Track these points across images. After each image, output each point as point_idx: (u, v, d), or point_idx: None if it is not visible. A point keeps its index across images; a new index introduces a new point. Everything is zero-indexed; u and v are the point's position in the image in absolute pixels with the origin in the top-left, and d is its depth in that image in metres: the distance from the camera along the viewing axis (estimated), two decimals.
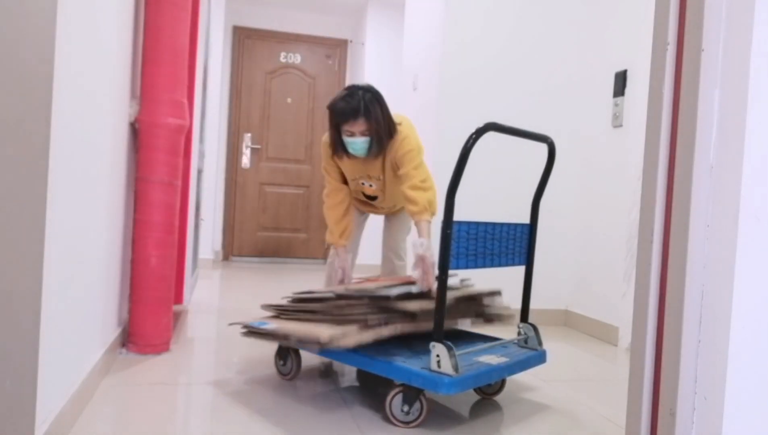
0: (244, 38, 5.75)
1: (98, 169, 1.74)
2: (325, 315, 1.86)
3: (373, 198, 2.55)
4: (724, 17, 1.11)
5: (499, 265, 1.87)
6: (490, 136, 3.24)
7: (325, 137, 2.44)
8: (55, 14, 1.21)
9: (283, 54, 5.84)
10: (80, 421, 1.59)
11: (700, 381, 1.11)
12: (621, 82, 3.03)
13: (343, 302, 1.83)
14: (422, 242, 2.05)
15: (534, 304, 3.30)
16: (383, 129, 2.29)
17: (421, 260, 1.98)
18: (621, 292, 2.94)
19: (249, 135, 5.73)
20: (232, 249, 5.78)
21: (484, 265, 1.80)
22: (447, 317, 1.93)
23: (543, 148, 3.17)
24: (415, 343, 1.94)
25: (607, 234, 3.08)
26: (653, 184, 1.25)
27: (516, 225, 1.93)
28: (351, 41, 5.97)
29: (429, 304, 1.83)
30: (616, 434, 1.73)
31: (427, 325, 1.84)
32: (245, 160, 5.73)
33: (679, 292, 1.16)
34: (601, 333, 3.07)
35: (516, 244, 1.94)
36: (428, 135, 3.31)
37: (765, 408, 1.08)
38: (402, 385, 1.68)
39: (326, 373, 2.19)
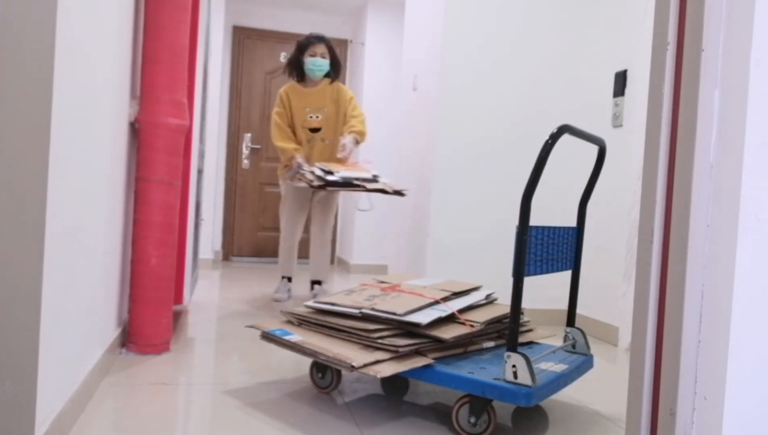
0: (244, 38, 5.75)
1: (98, 169, 1.74)
2: (351, 336, 1.79)
3: (317, 129, 3.48)
4: (724, 17, 1.11)
5: (555, 270, 1.81)
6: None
7: (282, 89, 3.47)
8: (55, 14, 1.21)
9: (283, 54, 5.83)
10: (80, 421, 1.59)
11: (700, 381, 1.11)
12: (621, 82, 3.03)
13: (371, 326, 1.76)
14: (350, 139, 3.35)
15: (534, 304, 3.30)
16: (337, 61, 3.45)
17: (346, 150, 3.32)
18: (621, 292, 2.94)
19: (249, 135, 5.73)
20: (232, 249, 5.78)
21: (546, 271, 1.74)
22: (475, 341, 1.90)
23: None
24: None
25: (607, 234, 3.08)
26: (653, 184, 1.25)
27: (567, 228, 1.90)
28: (351, 41, 5.97)
29: (461, 330, 1.79)
30: (616, 434, 1.73)
31: (457, 350, 1.82)
32: (245, 160, 5.73)
33: (679, 292, 1.16)
34: (601, 333, 3.07)
35: (567, 248, 1.90)
36: (428, 135, 3.31)
37: (765, 408, 1.08)
38: (468, 395, 1.63)
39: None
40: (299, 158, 3.36)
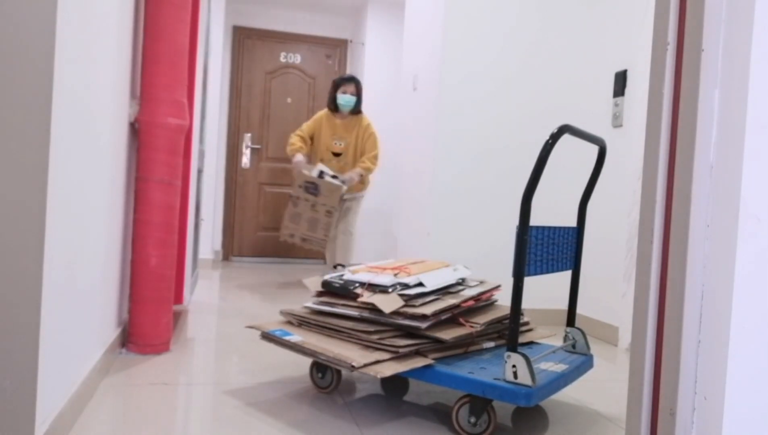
0: (244, 38, 5.74)
1: (98, 169, 1.74)
2: (351, 337, 1.80)
3: (339, 154, 4.32)
4: (724, 17, 1.11)
5: (555, 270, 1.81)
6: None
7: (322, 111, 4.39)
8: (55, 14, 1.21)
9: (283, 54, 5.83)
10: (80, 421, 1.59)
11: (700, 381, 1.11)
12: (621, 82, 3.03)
13: (371, 328, 1.76)
14: (356, 172, 4.21)
15: (534, 304, 3.30)
16: (360, 98, 4.32)
17: (352, 181, 4.17)
18: (621, 292, 2.94)
19: (249, 135, 5.73)
20: (232, 249, 5.78)
21: (546, 271, 1.74)
22: (475, 342, 1.90)
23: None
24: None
25: (607, 234, 3.08)
26: (653, 184, 1.25)
27: (567, 228, 1.90)
28: (351, 41, 5.97)
29: (462, 331, 1.79)
30: (616, 434, 1.73)
31: (457, 350, 1.82)
32: (245, 160, 5.73)
33: (679, 292, 1.16)
34: (601, 333, 3.07)
35: (568, 248, 1.90)
36: (428, 135, 3.31)
37: (765, 408, 1.08)
38: (468, 395, 1.62)
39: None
40: (299, 156, 4.23)
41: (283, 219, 4.22)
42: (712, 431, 1.08)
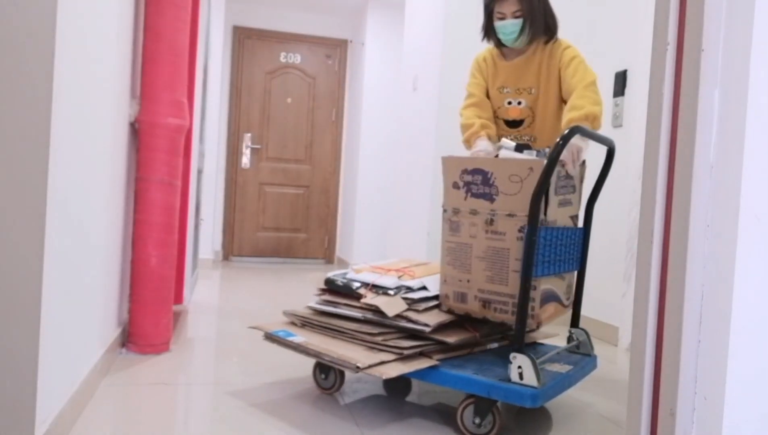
0: (244, 38, 5.75)
1: (98, 169, 1.74)
2: (354, 338, 1.80)
3: (517, 123, 2.17)
4: (724, 17, 1.10)
5: (562, 271, 1.80)
6: None
7: (480, 54, 2.31)
8: (55, 14, 1.21)
9: (283, 54, 5.84)
10: (80, 421, 1.59)
11: (700, 381, 1.11)
12: (621, 82, 3.03)
13: (375, 330, 1.76)
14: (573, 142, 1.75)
15: None
16: (539, 13, 2.07)
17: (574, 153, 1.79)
18: (621, 292, 2.94)
19: (249, 135, 5.73)
20: (232, 249, 5.78)
21: (554, 272, 1.73)
22: (480, 342, 1.90)
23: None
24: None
25: (607, 234, 3.08)
26: (653, 184, 1.25)
27: (575, 229, 1.88)
28: (351, 41, 5.97)
29: (465, 334, 1.79)
30: (616, 434, 1.73)
31: (462, 351, 1.82)
32: (245, 160, 5.73)
33: (679, 292, 1.15)
34: (601, 333, 3.07)
35: (574, 249, 1.88)
36: (428, 136, 3.31)
37: (765, 408, 1.08)
38: (473, 396, 1.62)
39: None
40: (482, 143, 2.11)
41: (441, 269, 1.89)
42: (712, 431, 1.08)
